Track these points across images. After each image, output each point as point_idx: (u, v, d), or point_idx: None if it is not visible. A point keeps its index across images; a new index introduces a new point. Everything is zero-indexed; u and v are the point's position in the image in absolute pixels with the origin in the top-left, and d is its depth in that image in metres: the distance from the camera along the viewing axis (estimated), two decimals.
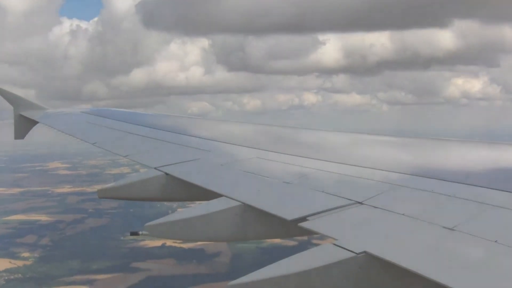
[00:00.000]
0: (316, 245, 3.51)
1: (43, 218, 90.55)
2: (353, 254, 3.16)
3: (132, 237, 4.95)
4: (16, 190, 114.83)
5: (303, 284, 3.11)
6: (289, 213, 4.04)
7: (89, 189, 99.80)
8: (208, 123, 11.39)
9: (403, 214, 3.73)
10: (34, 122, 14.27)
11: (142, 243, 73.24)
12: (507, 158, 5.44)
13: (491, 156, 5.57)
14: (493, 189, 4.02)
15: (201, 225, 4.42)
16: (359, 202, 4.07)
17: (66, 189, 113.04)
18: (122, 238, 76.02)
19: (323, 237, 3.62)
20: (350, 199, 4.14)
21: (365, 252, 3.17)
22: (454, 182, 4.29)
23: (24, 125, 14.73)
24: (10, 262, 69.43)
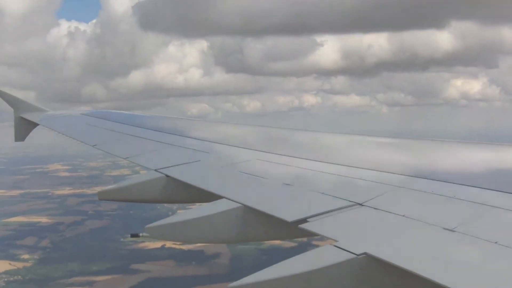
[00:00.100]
0: (316, 246, 3.51)
1: (43, 220, 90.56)
2: (354, 256, 3.16)
3: (132, 239, 4.95)
4: (16, 192, 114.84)
5: (304, 285, 3.11)
6: (289, 215, 4.04)
7: (89, 191, 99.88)
8: (208, 125, 11.40)
9: (403, 216, 3.73)
10: (34, 124, 14.28)
11: (141, 244, 73.21)
12: (507, 159, 5.45)
13: (491, 157, 5.58)
14: (494, 190, 4.03)
15: (202, 227, 4.41)
16: (359, 204, 4.07)
17: (66, 191, 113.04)
18: (122, 239, 76.03)
19: (323, 238, 3.62)
20: (350, 201, 4.13)
21: (365, 253, 3.17)
22: (454, 183, 4.29)
23: (24, 127, 14.75)
24: (10, 264, 69.43)
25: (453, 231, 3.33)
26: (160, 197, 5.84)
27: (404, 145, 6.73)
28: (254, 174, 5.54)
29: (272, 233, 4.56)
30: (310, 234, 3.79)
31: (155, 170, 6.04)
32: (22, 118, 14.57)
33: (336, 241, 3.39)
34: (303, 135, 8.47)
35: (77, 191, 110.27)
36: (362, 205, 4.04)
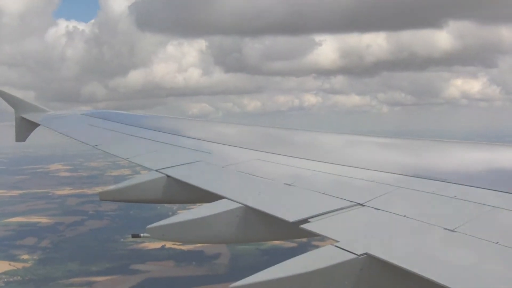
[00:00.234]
0: (317, 246, 3.51)
1: (43, 220, 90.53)
2: (355, 256, 3.16)
3: (132, 239, 4.94)
4: (16, 192, 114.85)
5: (305, 286, 3.10)
6: (290, 215, 4.04)
7: (89, 191, 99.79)
8: (208, 125, 11.40)
9: (404, 216, 3.73)
10: (35, 125, 14.28)
11: (141, 245, 73.20)
12: (507, 159, 5.45)
13: (492, 157, 5.58)
14: (494, 190, 4.03)
15: (203, 227, 4.42)
16: (360, 204, 4.07)
17: (66, 191, 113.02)
18: (122, 240, 76.01)
19: (324, 238, 3.62)
20: (351, 201, 4.14)
21: (366, 253, 3.17)
22: (455, 183, 4.29)
23: (25, 128, 14.74)
24: (9, 264, 69.38)
25: (454, 231, 3.34)
26: (161, 197, 5.85)
27: (405, 145, 6.73)
28: (255, 174, 5.54)
29: (273, 234, 4.57)
30: (311, 235, 3.79)
31: (156, 170, 6.04)
32: (23, 118, 14.56)
33: (337, 241, 3.39)
34: (303, 135, 8.46)
35: (78, 191, 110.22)
36: (363, 205, 4.04)
